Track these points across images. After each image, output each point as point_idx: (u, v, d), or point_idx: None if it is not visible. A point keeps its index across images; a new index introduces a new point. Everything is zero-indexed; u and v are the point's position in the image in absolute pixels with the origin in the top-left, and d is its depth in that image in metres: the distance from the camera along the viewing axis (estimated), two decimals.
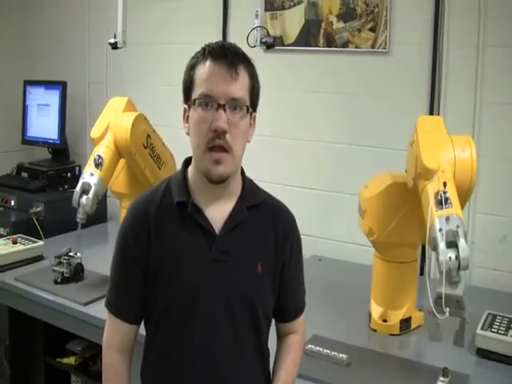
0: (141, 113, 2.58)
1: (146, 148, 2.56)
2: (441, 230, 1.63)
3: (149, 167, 2.62)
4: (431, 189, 1.75)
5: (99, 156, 2.44)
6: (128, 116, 2.51)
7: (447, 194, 1.70)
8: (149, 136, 2.57)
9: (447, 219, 1.65)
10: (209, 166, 1.41)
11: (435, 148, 1.83)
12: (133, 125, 2.46)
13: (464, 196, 1.84)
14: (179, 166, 1.58)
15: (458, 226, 1.63)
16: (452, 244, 1.61)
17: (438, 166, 1.78)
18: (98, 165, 2.42)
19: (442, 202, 1.69)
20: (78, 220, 2.37)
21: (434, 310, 1.64)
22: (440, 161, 1.80)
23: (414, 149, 1.88)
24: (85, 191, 2.36)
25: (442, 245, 1.61)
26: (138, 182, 2.65)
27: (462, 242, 1.60)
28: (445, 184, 1.71)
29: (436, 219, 1.66)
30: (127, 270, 1.51)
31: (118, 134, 2.48)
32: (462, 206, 1.77)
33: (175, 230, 1.48)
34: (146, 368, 1.55)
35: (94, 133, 2.53)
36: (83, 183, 2.38)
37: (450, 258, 1.60)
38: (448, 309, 1.63)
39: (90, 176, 2.39)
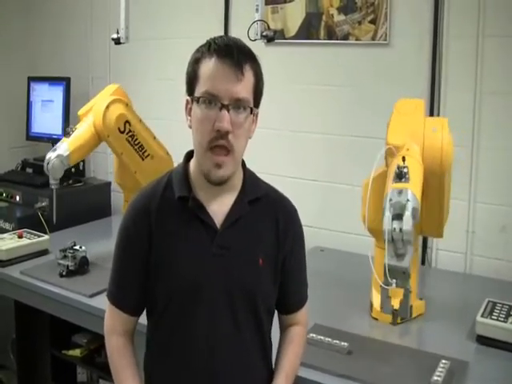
0: (120, 98, 2.60)
1: (122, 133, 2.56)
2: (391, 200, 1.65)
3: (127, 154, 2.61)
4: (394, 164, 1.76)
5: (72, 128, 2.53)
6: (109, 99, 2.56)
7: (405, 169, 1.70)
8: (128, 122, 2.56)
9: (400, 192, 1.66)
10: (210, 168, 1.43)
11: (403, 127, 1.84)
12: (107, 107, 2.50)
13: (438, 178, 1.83)
14: (177, 163, 1.60)
15: (407, 200, 1.63)
16: (398, 216, 1.62)
17: (403, 143, 1.78)
18: (67, 134, 2.52)
19: (399, 175, 1.70)
20: (52, 187, 2.51)
21: (379, 281, 1.66)
22: (404, 138, 1.79)
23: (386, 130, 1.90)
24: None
25: (387, 214, 1.63)
26: (132, 176, 2.66)
27: (406, 215, 1.61)
28: (403, 158, 1.72)
29: (389, 191, 1.68)
30: (128, 263, 1.53)
31: (96, 114, 2.54)
32: (442, 190, 1.77)
33: (176, 224, 1.49)
34: (149, 358, 1.57)
35: (81, 111, 2.64)
36: (51, 150, 2.48)
37: (395, 229, 1.60)
38: (395, 280, 1.64)
39: (60, 144, 2.50)
